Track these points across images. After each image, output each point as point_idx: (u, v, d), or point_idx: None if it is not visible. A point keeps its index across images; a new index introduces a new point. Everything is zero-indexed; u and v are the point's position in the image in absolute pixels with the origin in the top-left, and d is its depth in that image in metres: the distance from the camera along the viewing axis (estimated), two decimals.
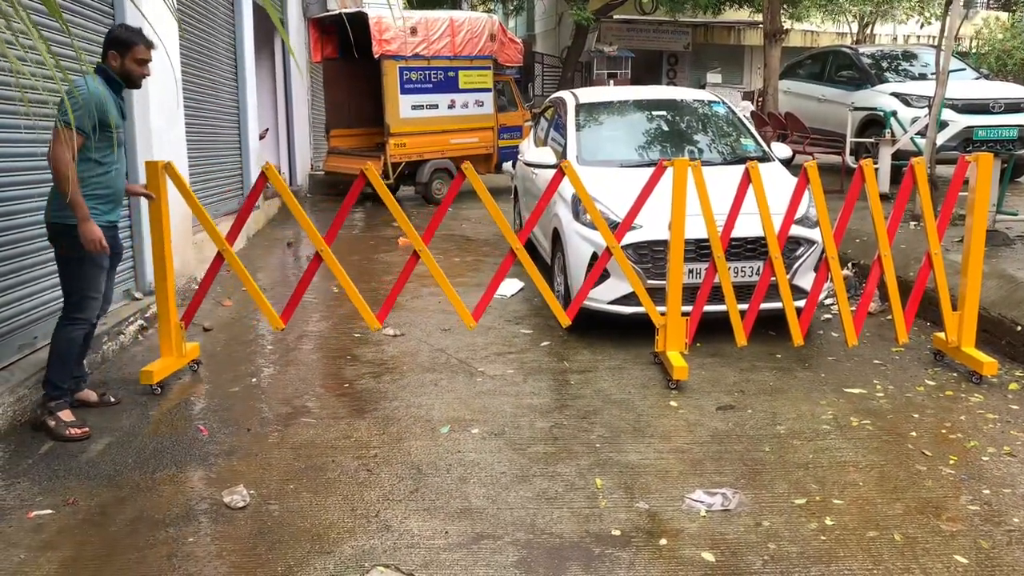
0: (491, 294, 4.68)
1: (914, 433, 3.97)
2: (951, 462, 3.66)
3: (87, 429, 3.97)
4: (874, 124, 10.46)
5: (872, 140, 9.70)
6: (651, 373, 4.84)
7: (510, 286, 6.89)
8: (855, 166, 9.98)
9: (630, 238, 4.99)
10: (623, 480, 3.53)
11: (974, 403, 4.33)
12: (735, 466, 3.66)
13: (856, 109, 10.33)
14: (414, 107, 11.40)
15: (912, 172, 4.57)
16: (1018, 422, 4.08)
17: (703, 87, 25.57)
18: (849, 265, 6.68)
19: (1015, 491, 3.40)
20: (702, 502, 3.32)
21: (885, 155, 8.85)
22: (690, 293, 4.84)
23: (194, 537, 3.08)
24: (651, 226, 5.02)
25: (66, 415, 3.98)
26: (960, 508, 3.27)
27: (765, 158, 6.22)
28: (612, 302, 5.26)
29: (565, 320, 4.78)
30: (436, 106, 11.68)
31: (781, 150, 6.40)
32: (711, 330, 5.11)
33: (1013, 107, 10.19)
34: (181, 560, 2.92)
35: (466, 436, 3.98)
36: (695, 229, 4.69)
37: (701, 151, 6.33)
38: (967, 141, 9.94)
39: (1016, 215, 6.86)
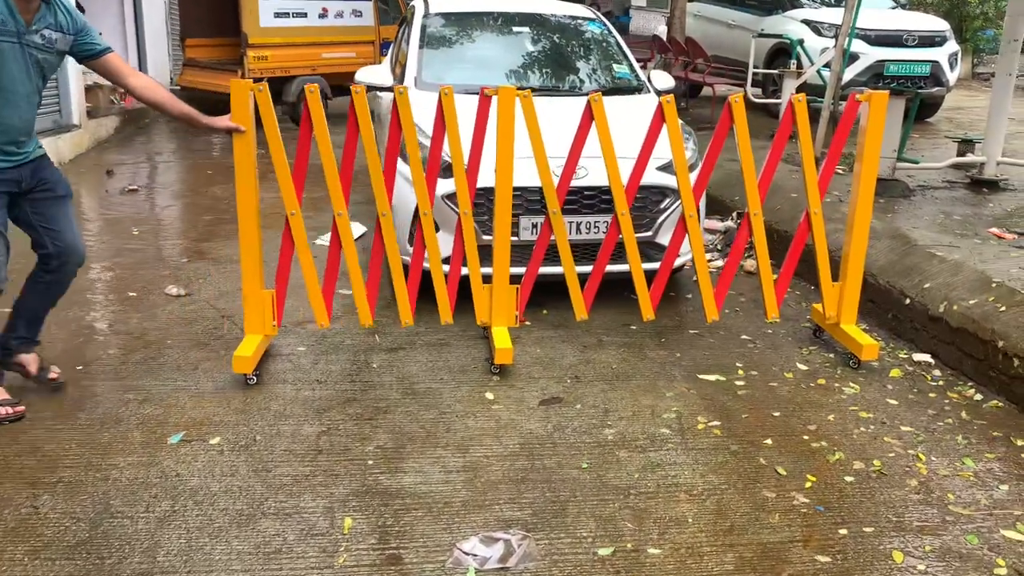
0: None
1: (770, 440, 3.21)
2: (808, 485, 2.92)
3: (22, 408, 3.22)
4: (785, 53, 9.63)
5: (776, 71, 8.88)
6: (476, 352, 3.96)
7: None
8: (757, 100, 9.19)
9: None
10: (383, 519, 2.66)
11: (847, 396, 3.61)
12: (538, 492, 2.83)
13: (762, 36, 9.45)
14: (277, 15, 9.97)
15: (791, 112, 3.70)
16: (894, 423, 3.37)
17: (627, 10, 24.30)
18: (734, 215, 5.90)
19: (878, 529, 2.68)
20: (475, 555, 2.48)
21: (789, 88, 8.03)
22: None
23: None
24: (490, 170, 4.06)
25: None
26: (807, 561, 2.52)
27: (640, 88, 5.30)
28: (443, 261, 4.31)
29: (407, 319, 3.78)
30: (304, 14, 10.27)
31: (662, 80, 5.46)
32: (564, 293, 4.23)
33: (927, 40, 9.51)
34: None
35: (199, 450, 3.03)
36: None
37: (566, 78, 5.35)
38: (878, 76, 9.23)
39: (918, 163, 6.16)
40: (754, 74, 9.40)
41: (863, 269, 3.94)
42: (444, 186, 4.03)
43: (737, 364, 3.91)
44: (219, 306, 4.46)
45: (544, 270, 3.92)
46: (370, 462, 2.98)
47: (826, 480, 2.95)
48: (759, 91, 9.90)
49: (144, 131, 10.33)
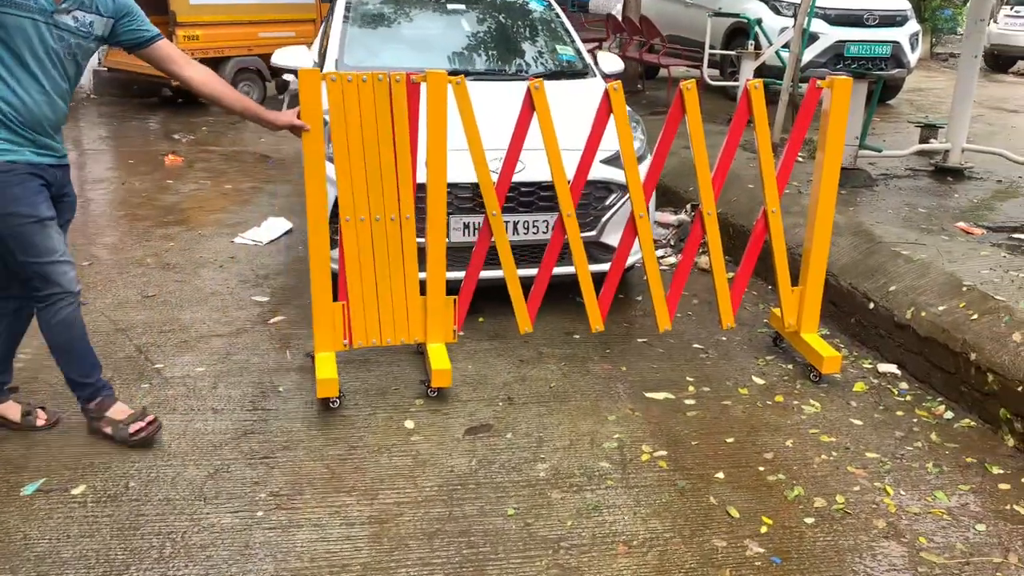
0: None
1: (721, 474, 2.85)
2: (763, 530, 2.56)
3: (152, 419, 2.92)
4: (743, 33, 9.27)
5: (734, 53, 8.52)
6: (407, 371, 3.54)
7: (274, 227, 5.39)
8: (713, 82, 8.82)
9: None
10: None
11: (807, 417, 3.26)
12: (454, 549, 2.44)
13: (719, 15, 9.08)
14: None
15: (747, 99, 3.32)
16: (858, 449, 3.04)
17: None
18: (688, 207, 5.53)
19: None
20: None
21: (747, 70, 7.67)
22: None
23: None
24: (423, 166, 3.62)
25: (118, 412, 2.90)
26: None
27: (586, 72, 4.88)
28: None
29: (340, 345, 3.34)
30: None
31: (609, 62, 5.06)
32: (503, 299, 3.80)
33: (888, 20, 9.22)
34: None
35: (57, 502, 2.58)
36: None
37: (504, 61, 4.91)
38: (838, 57, 8.93)
39: (881, 151, 5.84)
40: (711, 55, 9.03)
41: (825, 273, 3.59)
42: None
43: (688, 378, 3.54)
44: (115, 318, 3.98)
45: (482, 274, 3.50)
46: (260, 513, 2.56)
47: (784, 523, 2.60)
48: (716, 72, 9.55)
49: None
